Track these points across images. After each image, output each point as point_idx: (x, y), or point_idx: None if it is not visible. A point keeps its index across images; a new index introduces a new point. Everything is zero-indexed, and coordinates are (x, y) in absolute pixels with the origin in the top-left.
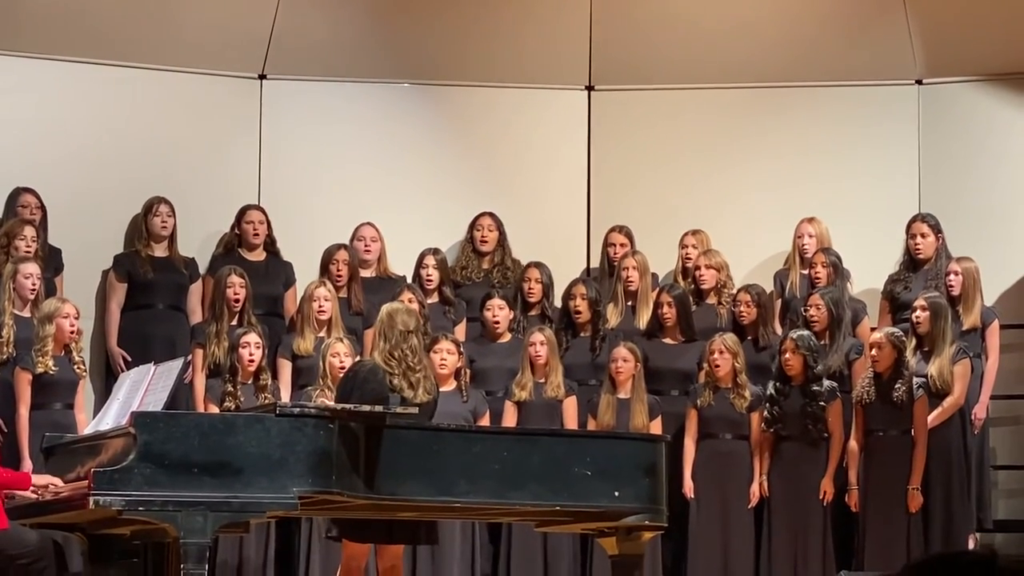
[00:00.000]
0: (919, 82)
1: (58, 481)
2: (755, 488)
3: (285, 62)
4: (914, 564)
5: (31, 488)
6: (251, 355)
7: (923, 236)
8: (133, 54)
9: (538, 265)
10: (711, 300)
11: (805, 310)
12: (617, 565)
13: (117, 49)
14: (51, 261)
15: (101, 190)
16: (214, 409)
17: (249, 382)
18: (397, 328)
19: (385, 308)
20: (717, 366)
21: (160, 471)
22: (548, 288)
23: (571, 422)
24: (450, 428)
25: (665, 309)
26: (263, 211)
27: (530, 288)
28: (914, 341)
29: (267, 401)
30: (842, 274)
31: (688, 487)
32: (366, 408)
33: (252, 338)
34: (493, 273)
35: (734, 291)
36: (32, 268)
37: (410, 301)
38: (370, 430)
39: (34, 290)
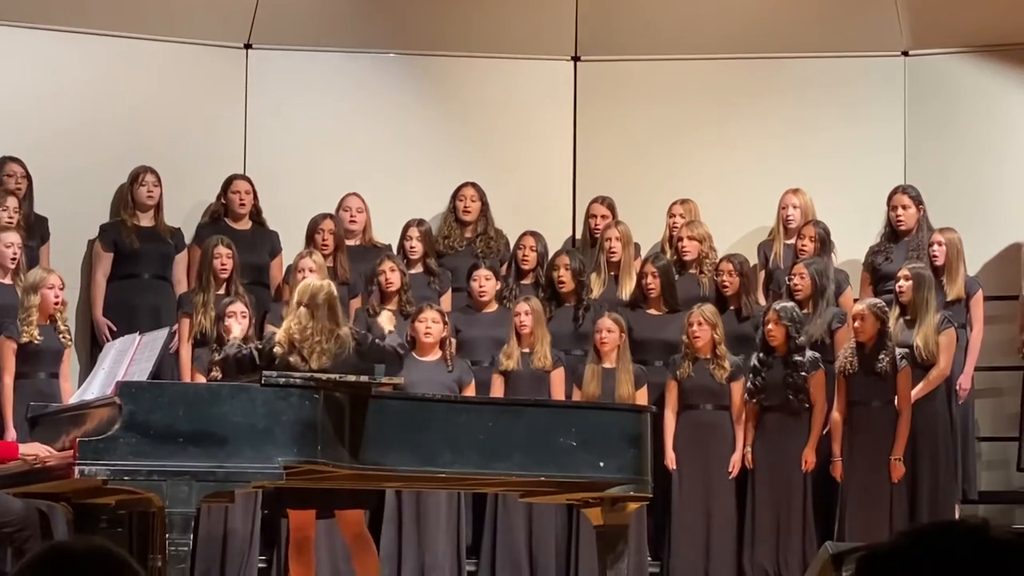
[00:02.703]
0: (905, 54)
1: (49, 449)
2: (737, 458)
3: (271, 31)
4: (907, 532)
5: (19, 457)
6: (238, 324)
7: (904, 207)
8: (118, 23)
9: (534, 234)
10: (693, 271)
11: (789, 279)
12: (602, 535)
13: (102, 18)
14: (37, 230)
15: (87, 159)
16: (201, 379)
17: None
18: (292, 305)
19: None
20: (696, 337)
21: (145, 441)
22: (543, 257)
23: (558, 393)
24: (435, 398)
25: (649, 279)
26: (249, 181)
27: (524, 255)
28: (897, 311)
29: None
30: (828, 247)
31: (669, 458)
32: (351, 378)
33: (238, 307)
34: (476, 243)
35: (717, 261)
36: (13, 237)
37: (391, 270)
38: (355, 400)
39: (14, 259)
